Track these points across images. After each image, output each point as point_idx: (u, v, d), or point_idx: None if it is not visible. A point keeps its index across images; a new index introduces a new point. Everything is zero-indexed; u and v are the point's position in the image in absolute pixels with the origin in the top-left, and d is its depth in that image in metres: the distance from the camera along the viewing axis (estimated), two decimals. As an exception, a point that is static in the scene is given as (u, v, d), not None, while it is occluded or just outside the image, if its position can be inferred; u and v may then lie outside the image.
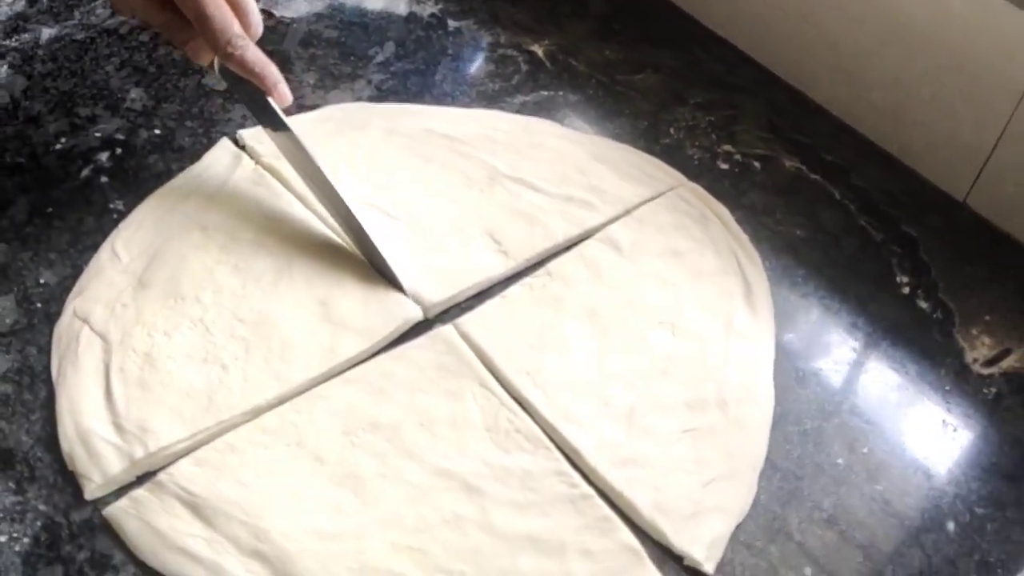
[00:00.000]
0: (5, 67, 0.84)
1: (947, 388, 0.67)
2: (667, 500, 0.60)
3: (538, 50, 0.88)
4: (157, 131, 0.80)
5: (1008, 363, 0.68)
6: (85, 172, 0.77)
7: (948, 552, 0.59)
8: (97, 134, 0.80)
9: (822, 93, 0.84)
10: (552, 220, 0.74)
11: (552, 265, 0.72)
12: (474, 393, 0.64)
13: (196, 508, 0.58)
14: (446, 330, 0.67)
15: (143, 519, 0.57)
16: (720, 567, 0.58)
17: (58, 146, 0.78)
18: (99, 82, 0.84)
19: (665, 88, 0.85)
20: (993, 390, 0.66)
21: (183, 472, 0.60)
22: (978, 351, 0.68)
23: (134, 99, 0.83)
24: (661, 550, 0.58)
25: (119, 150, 0.78)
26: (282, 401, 0.64)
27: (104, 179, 0.76)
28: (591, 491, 0.60)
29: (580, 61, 0.87)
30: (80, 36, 0.87)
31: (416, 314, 0.68)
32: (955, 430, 0.65)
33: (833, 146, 0.80)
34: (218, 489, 0.59)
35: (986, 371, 0.67)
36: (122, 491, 0.59)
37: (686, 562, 0.58)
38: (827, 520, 0.60)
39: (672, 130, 0.82)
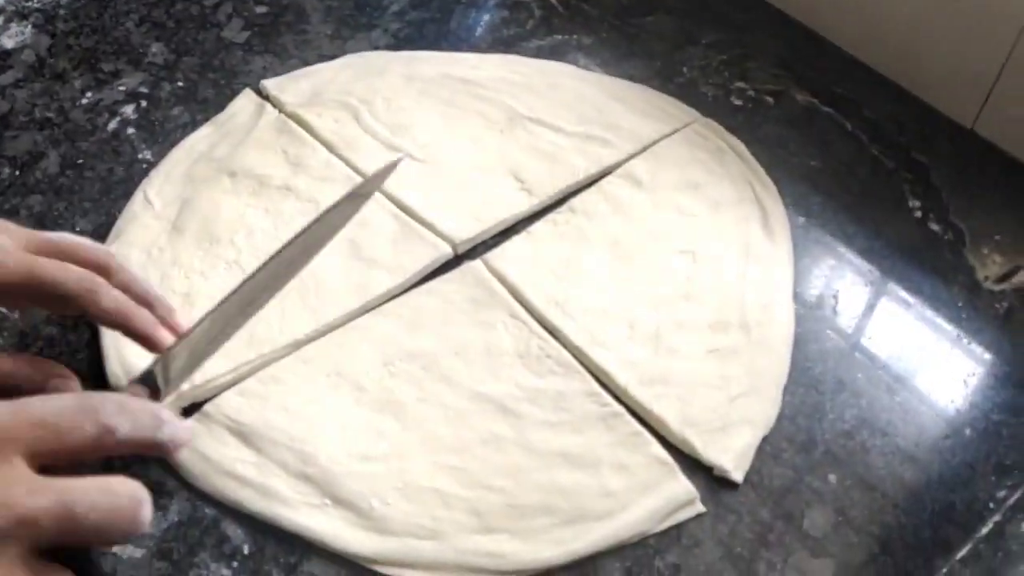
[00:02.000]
0: (29, 27, 0.85)
1: (959, 304, 0.69)
2: (695, 414, 0.62)
3: (550, -5, 0.89)
4: (180, 84, 0.82)
5: (1019, 279, 0.70)
6: (112, 125, 0.79)
7: (965, 456, 0.62)
8: (121, 88, 0.81)
9: (832, 29, 0.85)
10: (572, 158, 0.76)
11: (574, 201, 0.74)
12: (505, 323, 0.66)
13: (243, 436, 0.60)
14: (475, 265, 0.69)
15: (193, 447, 0.60)
16: (748, 477, 0.60)
17: (84, 100, 0.80)
18: (120, 38, 0.85)
19: (677, 29, 0.87)
20: (1004, 305, 0.69)
21: (229, 403, 0.62)
22: (989, 269, 0.71)
23: (155, 53, 0.84)
24: (691, 462, 0.61)
25: (144, 103, 0.80)
26: (320, 335, 0.66)
27: (131, 131, 0.78)
28: (621, 409, 0.62)
29: (592, 5, 0.89)
30: (99, -6, 0.89)
31: (445, 251, 0.70)
32: (968, 344, 0.67)
33: (844, 80, 0.82)
34: (264, 417, 0.61)
35: (997, 287, 0.70)
36: (171, 422, 0.61)
37: (715, 472, 0.60)
38: (849, 431, 0.63)
39: (685, 69, 0.83)
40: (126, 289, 0.57)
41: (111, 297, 0.56)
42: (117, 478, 0.45)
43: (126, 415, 0.46)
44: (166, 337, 0.57)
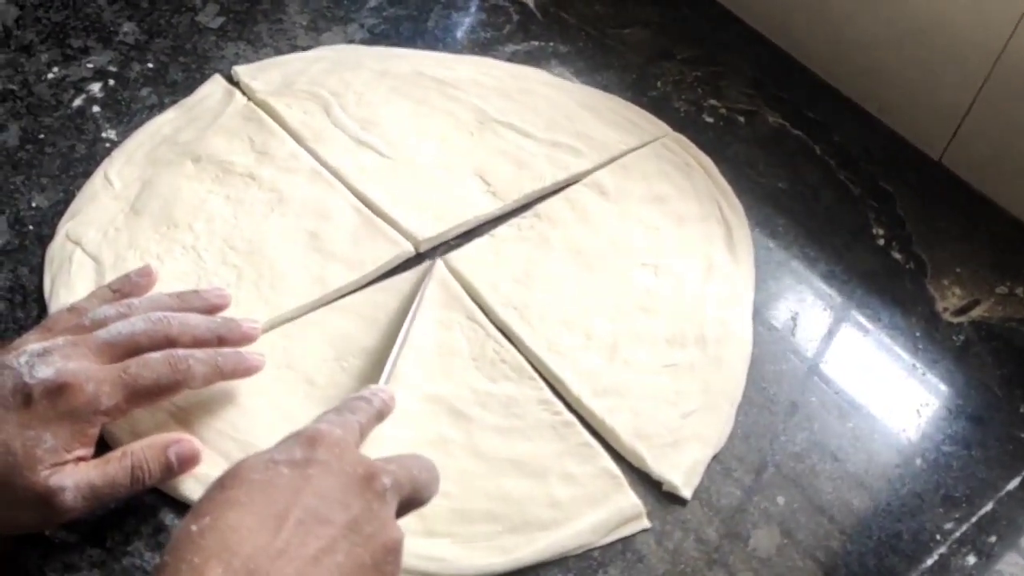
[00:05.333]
0: (-3, -3, 0.84)
1: (917, 335, 0.69)
2: (647, 428, 0.62)
3: (529, 1, 0.89)
4: (150, 65, 0.81)
5: (977, 313, 0.70)
6: (77, 102, 0.77)
7: (914, 486, 0.62)
8: (89, 65, 0.80)
9: (805, 52, 0.85)
10: (540, 164, 0.75)
11: (540, 207, 0.73)
12: (461, 325, 0.66)
13: (187, 423, 0.59)
14: (436, 264, 0.69)
15: (136, 434, 0.58)
16: (696, 494, 0.60)
17: (50, 75, 0.79)
18: (91, 15, 0.84)
19: (653, 43, 0.87)
20: (961, 337, 0.69)
21: (175, 390, 0.61)
22: (948, 301, 0.71)
23: (126, 33, 0.83)
24: (640, 476, 0.60)
25: (111, 82, 0.79)
26: (273, 326, 0.65)
27: (96, 109, 0.77)
28: (573, 418, 0.62)
29: (571, 14, 0.88)
30: (72, -32, 0.87)
31: (407, 248, 0.69)
32: (924, 374, 0.67)
33: (814, 104, 0.82)
34: (209, 407, 0.60)
35: (955, 320, 0.70)
36: (114, 407, 0.60)
37: (664, 488, 0.60)
38: (800, 453, 0.62)
39: (659, 83, 0.83)
40: (195, 342, 0.58)
41: (199, 362, 0.57)
42: None
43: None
44: (257, 362, 0.60)
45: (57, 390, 0.52)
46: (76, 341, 0.55)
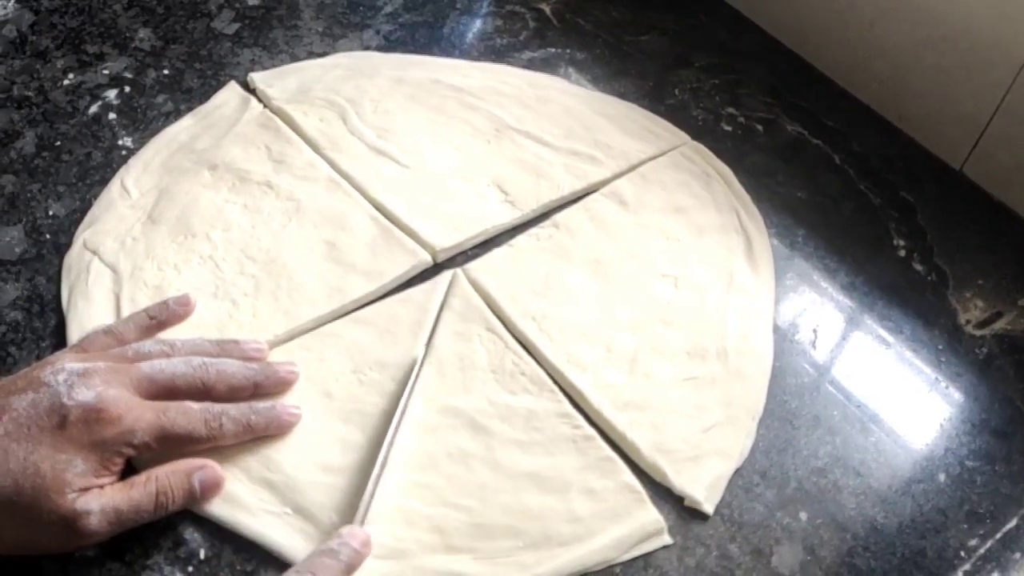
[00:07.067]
0: (12, 2, 0.83)
1: (939, 347, 0.68)
2: (668, 442, 0.61)
3: (545, 8, 0.88)
4: (166, 71, 0.80)
5: (1000, 325, 0.70)
6: (93, 108, 0.77)
7: (938, 502, 0.61)
8: (105, 71, 0.80)
9: (824, 60, 0.85)
10: (558, 173, 0.75)
11: (558, 216, 0.73)
12: (480, 336, 0.65)
13: (207, 437, 0.59)
14: (454, 275, 0.68)
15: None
16: (718, 509, 0.59)
17: (66, 81, 0.78)
18: (107, 20, 0.84)
19: (670, 50, 0.86)
20: (984, 350, 0.68)
21: (193, 402, 0.60)
22: (971, 313, 0.70)
23: (142, 39, 0.82)
24: (661, 491, 0.60)
25: (127, 88, 0.79)
26: (291, 337, 0.64)
27: (112, 116, 0.76)
28: (593, 432, 0.61)
29: (587, 20, 0.88)
30: (88, -26, 0.87)
31: (424, 259, 0.69)
32: (946, 388, 0.66)
33: (834, 113, 0.82)
34: (229, 420, 0.60)
35: (978, 332, 0.69)
36: (132, 419, 0.60)
37: (686, 503, 0.59)
38: (822, 468, 0.62)
39: (677, 91, 0.83)
40: (230, 391, 0.58)
41: (231, 421, 0.57)
42: None
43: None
44: (289, 421, 0.59)
45: (95, 416, 0.52)
46: (118, 368, 0.55)
